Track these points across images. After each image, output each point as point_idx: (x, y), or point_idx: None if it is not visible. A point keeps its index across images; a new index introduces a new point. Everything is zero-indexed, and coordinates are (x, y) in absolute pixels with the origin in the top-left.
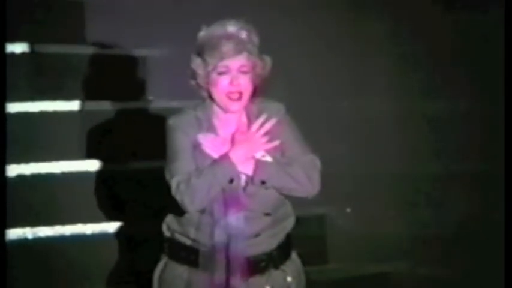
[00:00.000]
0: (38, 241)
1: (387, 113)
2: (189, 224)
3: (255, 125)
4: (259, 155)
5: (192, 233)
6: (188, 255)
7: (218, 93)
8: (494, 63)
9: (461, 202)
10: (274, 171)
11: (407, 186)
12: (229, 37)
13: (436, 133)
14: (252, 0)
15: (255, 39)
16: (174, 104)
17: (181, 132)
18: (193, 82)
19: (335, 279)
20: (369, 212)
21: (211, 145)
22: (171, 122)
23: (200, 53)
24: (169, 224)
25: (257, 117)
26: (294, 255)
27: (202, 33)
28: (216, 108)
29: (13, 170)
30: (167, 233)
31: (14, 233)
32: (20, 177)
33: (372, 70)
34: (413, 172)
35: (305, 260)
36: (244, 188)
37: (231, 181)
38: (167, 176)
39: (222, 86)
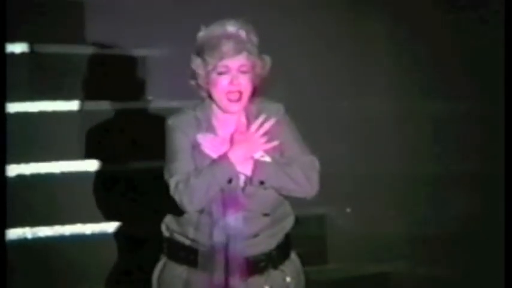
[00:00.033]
0: (37, 241)
1: (387, 113)
2: (188, 224)
3: (254, 125)
4: (258, 155)
5: (191, 233)
6: (187, 255)
7: (218, 93)
8: (494, 63)
9: (461, 202)
10: (273, 171)
11: (407, 186)
12: (229, 37)
13: (436, 133)
14: (252, 0)
15: (255, 39)
16: (174, 104)
17: (180, 132)
18: (193, 82)
19: (335, 279)
20: (369, 212)
21: (210, 145)
22: (170, 122)
23: (200, 53)
24: (168, 224)
25: (256, 117)
26: (293, 255)
27: (202, 33)
28: (215, 108)
29: (13, 170)
30: (166, 233)
31: (14, 233)
32: (20, 177)
33: (372, 70)
34: (413, 172)
35: (305, 260)
36: (243, 188)
37: (230, 181)
38: (166, 176)
39: (221, 85)
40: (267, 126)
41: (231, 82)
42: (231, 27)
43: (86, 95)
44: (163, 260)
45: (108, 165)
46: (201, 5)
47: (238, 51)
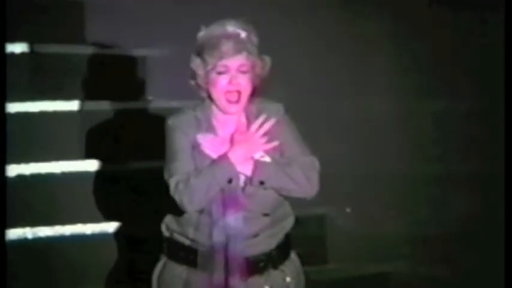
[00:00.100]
0: (38, 241)
1: (387, 113)
2: (187, 224)
3: (254, 126)
4: (258, 155)
5: (191, 233)
6: (187, 255)
7: (217, 93)
8: (494, 63)
9: (461, 202)
10: (273, 171)
11: (407, 186)
12: (229, 37)
13: (436, 133)
14: (252, 0)
15: (255, 39)
16: (174, 104)
17: (180, 132)
18: (192, 82)
19: (335, 279)
20: (369, 212)
21: (210, 145)
22: (170, 122)
23: (200, 53)
24: (168, 224)
25: (256, 117)
26: (293, 255)
27: (202, 33)
28: (215, 108)
29: (13, 170)
30: (166, 233)
31: (14, 233)
32: (20, 177)
33: (372, 70)
34: (413, 172)
35: (305, 260)
36: (243, 189)
37: (230, 181)
38: (166, 176)
39: (220, 85)
40: (267, 126)
41: (230, 82)
42: (231, 27)
43: (86, 95)
44: (163, 260)
45: (108, 165)
46: (201, 5)
47: (237, 51)
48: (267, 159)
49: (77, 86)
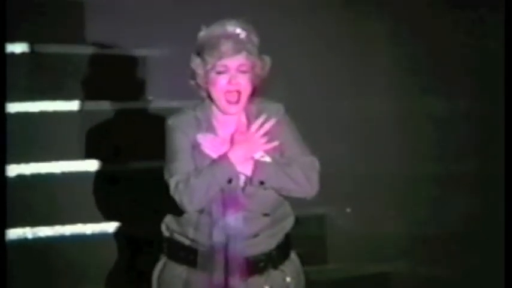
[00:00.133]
0: (38, 241)
1: (387, 113)
2: (187, 224)
3: (255, 126)
4: (258, 155)
5: (191, 233)
6: (187, 255)
7: (217, 93)
8: (494, 63)
9: (461, 202)
10: (273, 171)
11: (407, 186)
12: (229, 36)
13: (436, 133)
14: (252, 0)
15: (255, 39)
16: (174, 104)
17: (180, 132)
18: (192, 82)
19: (335, 279)
20: (369, 212)
21: (211, 145)
22: (170, 122)
23: (200, 53)
24: (168, 224)
25: (256, 117)
26: (293, 255)
27: (202, 33)
28: (215, 108)
29: (13, 170)
30: (166, 233)
31: (14, 233)
32: (20, 177)
33: (372, 70)
34: (413, 172)
35: (305, 260)
36: (243, 189)
37: (230, 181)
38: (166, 176)
39: (220, 85)
40: (267, 126)
41: (229, 82)
42: (230, 27)
43: (86, 95)
44: (163, 259)
45: (108, 165)
46: (201, 5)
47: (237, 51)
48: (267, 159)
49: (77, 86)
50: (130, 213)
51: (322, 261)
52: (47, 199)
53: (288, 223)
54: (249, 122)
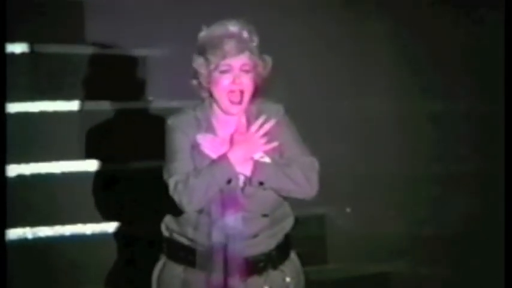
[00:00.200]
0: (38, 241)
1: (387, 113)
2: (187, 224)
3: (254, 126)
4: (257, 156)
5: (190, 233)
6: (186, 255)
7: (219, 92)
8: (494, 63)
9: (461, 202)
10: (273, 172)
11: (407, 186)
12: (231, 36)
13: (436, 133)
14: (252, 0)
15: (256, 39)
16: (174, 104)
17: (180, 132)
18: (194, 82)
19: (335, 279)
20: (369, 212)
21: (210, 145)
22: (170, 122)
23: (202, 53)
24: (167, 224)
25: (256, 118)
26: (292, 255)
27: (203, 33)
28: (215, 108)
29: (13, 170)
30: (166, 233)
31: (14, 233)
32: (20, 177)
33: (372, 70)
34: (413, 172)
35: (305, 260)
36: (242, 189)
37: (229, 182)
38: (165, 176)
39: (223, 84)
40: (267, 127)
41: (233, 81)
42: (232, 27)
43: (86, 95)
44: (162, 259)
45: (108, 165)
46: (201, 5)
47: (240, 51)
48: (267, 159)
49: (77, 86)
50: (130, 213)
51: (322, 261)
52: (47, 199)
53: (288, 223)
54: (249, 123)
